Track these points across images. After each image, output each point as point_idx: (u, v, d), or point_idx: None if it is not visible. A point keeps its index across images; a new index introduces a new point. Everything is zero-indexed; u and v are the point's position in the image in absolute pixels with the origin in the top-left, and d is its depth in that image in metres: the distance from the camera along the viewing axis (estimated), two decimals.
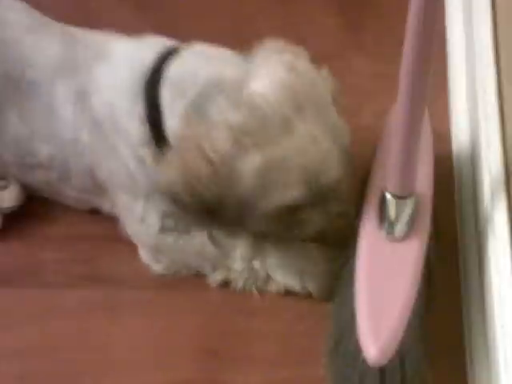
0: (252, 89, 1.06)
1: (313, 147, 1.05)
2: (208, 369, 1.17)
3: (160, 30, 1.20)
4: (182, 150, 1.07)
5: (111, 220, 1.24)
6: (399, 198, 1.09)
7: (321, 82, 1.11)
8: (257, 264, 1.20)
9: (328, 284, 1.19)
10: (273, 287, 1.21)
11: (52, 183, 1.24)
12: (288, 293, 1.21)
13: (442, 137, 1.34)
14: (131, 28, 1.21)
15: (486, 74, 1.26)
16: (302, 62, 1.10)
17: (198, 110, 1.07)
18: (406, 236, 1.10)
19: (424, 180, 1.14)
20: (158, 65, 1.11)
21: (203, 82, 1.08)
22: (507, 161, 1.15)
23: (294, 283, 1.20)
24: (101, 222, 1.26)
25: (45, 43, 1.18)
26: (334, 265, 1.20)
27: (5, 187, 1.25)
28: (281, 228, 1.12)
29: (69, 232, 1.28)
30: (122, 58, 1.15)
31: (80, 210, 1.28)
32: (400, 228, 1.10)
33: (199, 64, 1.11)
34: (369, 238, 1.11)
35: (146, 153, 1.12)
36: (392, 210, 1.10)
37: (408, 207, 1.10)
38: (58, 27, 1.21)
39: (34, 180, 1.25)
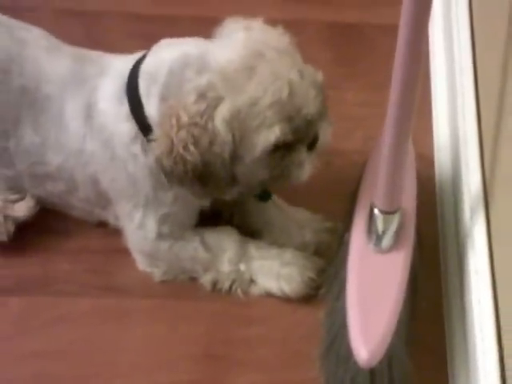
0: (214, 55, 1.10)
1: (278, 82, 1.08)
2: (211, 372, 1.22)
3: None
4: (161, 123, 1.11)
5: (120, 234, 1.29)
6: (386, 213, 1.14)
7: (277, 34, 1.14)
8: (242, 267, 1.26)
9: (302, 287, 1.26)
10: (255, 290, 1.27)
11: (61, 195, 1.29)
12: (285, 301, 1.26)
13: (426, 159, 1.40)
14: None
15: (467, 101, 1.31)
16: (256, 22, 1.14)
17: (172, 89, 1.12)
18: (393, 248, 1.16)
19: (408, 196, 1.19)
20: (135, 67, 1.17)
21: (169, 63, 1.12)
22: (485, 181, 1.20)
23: (271, 285, 1.26)
24: (110, 236, 1.31)
25: (58, 61, 1.24)
26: (309, 270, 1.26)
27: (21, 199, 1.30)
28: (275, 174, 1.14)
29: (81, 245, 1.33)
30: (115, 70, 1.21)
31: (89, 222, 1.33)
32: (387, 241, 1.15)
33: (164, 51, 1.15)
34: (358, 249, 1.16)
35: (138, 148, 1.18)
36: (379, 225, 1.15)
37: (394, 222, 1.15)
38: (70, 48, 1.28)
39: (45, 191, 1.30)
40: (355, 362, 1.09)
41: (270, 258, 1.27)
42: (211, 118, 1.08)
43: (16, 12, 1.35)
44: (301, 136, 1.12)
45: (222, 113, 1.07)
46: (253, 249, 1.28)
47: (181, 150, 1.09)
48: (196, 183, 1.12)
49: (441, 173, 1.38)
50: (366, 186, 1.23)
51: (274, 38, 1.13)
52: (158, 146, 1.11)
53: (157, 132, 1.12)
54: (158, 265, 1.29)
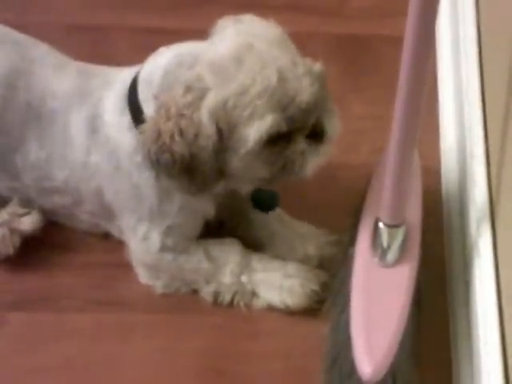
0: (206, 50, 1.11)
1: (267, 70, 1.06)
2: None
3: None
4: (152, 116, 1.11)
5: (122, 248, 1.29)
6: (391, 226, 1.14)
7: (268, 25, 1.12)
8: (244, 278, 1.26)
9: (305, 299, 1.25)
10: (257, 302, 1.27)
11: (67, 207, 1.30)
12: (288, 315, 1.26)
13: (433, 171, 1.39)
14: None
15: (473, 114, 1.31)
16: (247, 15, 1.14)
17: (166, 87, 1.11)
18: (398, 262, 1.15)
19: (413, 210, 1.18)
20: (135, 77, 1.17)
21: (164, 65, 1.13)
22: (491, 194, 1.20)
23: (273, 298, 1.26)
24: (113, 251, 1.31)
25: (64, 77, 1.24)
26: (312, 283, 1.25)
27: (27, 213, 1.30)
28: (276, 170, 1.12)
29: (84, 259, 1.32)
30: (118, 82, 1.21)
31: (92, 237, 1.33)
32: (392, 254, 1.15)
33: (159, 57, 1.15)
34: (363, 263, 1.16)
35: (142, 156, 1.16)
36: (384, 238, 1.15)
37: (399, 235, 1.15)
38: (76, 63, 1.29)
39: (52, 204, 1.30)
40: (359, 378, 1.08)
41: (273, 270, 1.26)
42: (198, 109, 1.07)
43: (25, 27, 1.36)
44: (297, 126, 1.10)
45: (208, 104, 1.07)
46: (255, 261, 1.27)
47: (167, 140, 1.08)
48: (183, 176, 1.11)
49: (447, 185, 1.37)
50: (371, 199, 1.22)
51: (265, 29, 1.11)
52: (146, 134, 1.10)
53: (146, 123, 1.12)
54: (159, 277, 1.28)
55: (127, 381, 1.23)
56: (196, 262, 1.26)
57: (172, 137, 1.08)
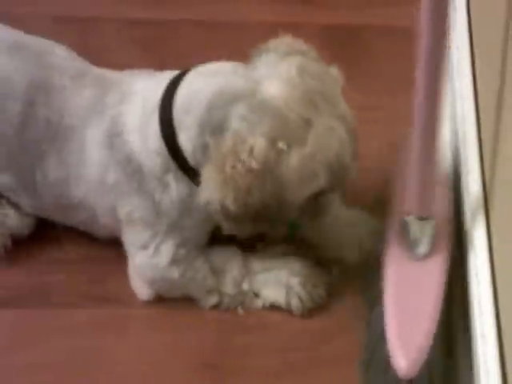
0: (269, 93, 1.09)
1: (332, 139, 1.09)
2: (209, 381, 1.21)
3: (163, 67, 1.24)
4: (219, 165, 1.08)
5: (117, 243, 1.27)
6: (420, 219, 1.13)
7: (330, 78, 1.14)
8: (246, 285, 1.25)
9: (310, 303, 1.25)
10: (258, 303, 1.26)
11: (83, 222, 1.28)
12: (282, 309, 1.25)
13: None
14: (134, 66, 1.27)
15: (466, 104, 1.31)
16: (312, 63, 1.14)
17: (214, 123, 1.10)
18: (429, 254, 1.14)
19: (442, 200, 1.18)
20: (167, 97, 1.14)
21: (206, 98, 1.10)
22: (484, 183, 1.19)
23: (279, 298, 1.25)
24: (108, 246, 1.30)
25: (82, 91, 1.21)
26: (315, 283, 1.25)
27: (17, 216, 1.30)
28: (305, 215, 1.15)
29: (78, 254, 1.31)
30: (140, 96, 1.18)
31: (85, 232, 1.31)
32: (423, 247, 1.14)
33: (200, 81, 1.13)
34: (394, 258, 1.15)
35: (171, 178, 1.16)
36: (414, 231, 1.14)
37: (429, 227, 1.14)
38: (94, 70, 1.25)
39: (69, 221, 1.29)
40: (395, 373, 1.07)
41: (276, 268, 1.26)
42: (279, 163, 1.08)
43: (11, 19, 1.34)
44: (335, 185, 1.14)
45: (292, 161, 1.08)
46: (255, 263, 1.26)
47: (244, 195, 1.08)
48: (250, 223, 1.12)
49: None
50: (396, 191, 1.21)
51: (328, 83, 1.13)
52: (216, 188, 1.09)
53: (209, 171, 1.10)
54: (163, 294, 1.27)
55: (122, 376, 1.22)
56: (201, 278, 1.25)
57: (250, 191, 1.08)
